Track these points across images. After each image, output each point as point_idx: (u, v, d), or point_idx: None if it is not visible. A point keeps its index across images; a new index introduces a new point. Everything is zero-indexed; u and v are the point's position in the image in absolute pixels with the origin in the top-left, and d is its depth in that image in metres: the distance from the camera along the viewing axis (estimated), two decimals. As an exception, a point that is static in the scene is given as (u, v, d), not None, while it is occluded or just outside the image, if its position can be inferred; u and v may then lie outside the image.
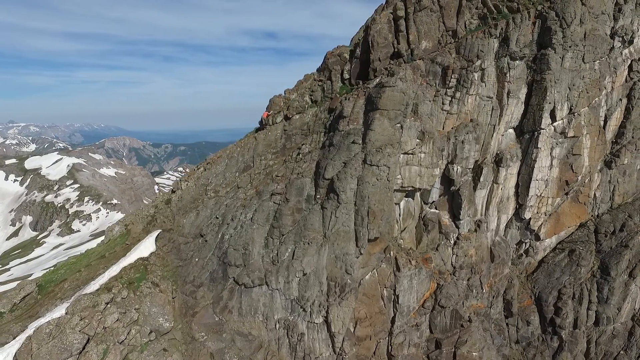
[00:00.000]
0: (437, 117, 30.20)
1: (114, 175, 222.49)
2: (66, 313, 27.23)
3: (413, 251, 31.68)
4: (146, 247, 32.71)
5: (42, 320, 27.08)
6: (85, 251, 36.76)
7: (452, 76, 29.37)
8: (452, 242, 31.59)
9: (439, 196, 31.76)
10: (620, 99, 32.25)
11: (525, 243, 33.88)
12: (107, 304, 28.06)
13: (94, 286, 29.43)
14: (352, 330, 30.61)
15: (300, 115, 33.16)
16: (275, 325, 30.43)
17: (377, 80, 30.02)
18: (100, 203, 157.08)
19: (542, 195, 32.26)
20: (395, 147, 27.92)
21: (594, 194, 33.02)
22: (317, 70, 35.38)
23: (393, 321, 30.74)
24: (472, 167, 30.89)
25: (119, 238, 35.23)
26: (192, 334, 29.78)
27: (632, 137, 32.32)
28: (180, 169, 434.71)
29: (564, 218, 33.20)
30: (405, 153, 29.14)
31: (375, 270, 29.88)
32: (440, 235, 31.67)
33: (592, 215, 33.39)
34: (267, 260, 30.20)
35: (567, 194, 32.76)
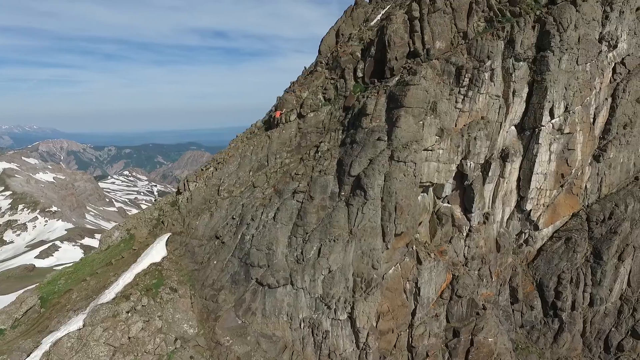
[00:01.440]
0: (451, 114, 31.45)
1: (53, 180, 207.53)
2: (84, 325, 25.50)
3: (428, 244, 32.76)
4: (157, 252, 31.36)
5: (57, 334, 25.20)
6: (81, 259, 34.38)
7: (466, 75, 30.75)
8: (465, 234, 33.04)
9: (452, 191, 33.07)
10: (606, 98, 35.37)
11: (525, 233, 36.13)
12: (127, 312, 26.62)
13: (109, 295, 27.77)
14: (374, 324, 31.06)
15: (315, 113, 33.17)
16: (300, 325, 30.21)
17: (397, 78, 30.77)
18: (37, 211, 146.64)
19: (541, 187, 34.59)
20: (420, 143, 28.81)
21: (585, 186, 35.94)
22: (328, 68, 35.55)
23: (414, 313, 31.57)
24: (482, 162, 32.48)
25: (122, 244, 33.34)
26: (216, 339, 28.90)
27: (617, 133, 35.57)
28: (127, 172, 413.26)
29: (559, 208, 35.81)
30: (425, 149, 30.10)
31: (398, 264, 30.56)
32: (453, 228, 33.00)
33: (583, 205, 36.31)
34: (291, 259, 29.94)
35: (562, 186, 35.37)
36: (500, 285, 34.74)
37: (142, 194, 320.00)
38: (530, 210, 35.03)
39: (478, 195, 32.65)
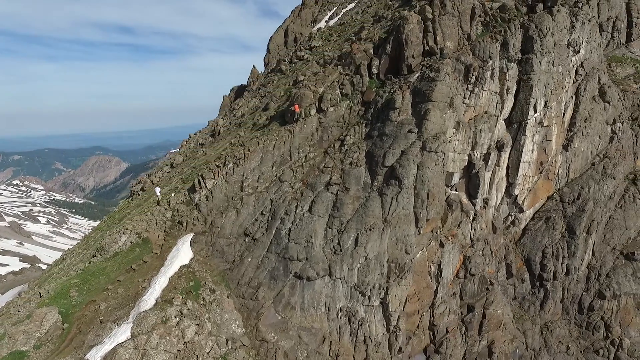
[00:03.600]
0: (460, 109, 34.35)
1: None
2: (134, 334, 23.66)
3: (441, 229, 35.31)
4: (185, 254, 29.83)
5: (104, 347, 23.10)
6: (84, 270, 30.99)
7: (473, 74, 33.85)
8: (471, 218, 36.22)
9: (459, 179, 36.02)
10: (572, 96, 41.15)
11: (512, 215, 40.55)
12: (175, 317, 25.15)
13: (149, 301, 26.03)
14: (402, 308, 32.76)
15: (334, 107, 33.88)
16: (337, 314, 30.85)
17: (417, 75, 32.79)
18: None
19: (526, 174, 39.19)
20: (446, 134, 31.14)
21: (558, 172, 41.42)
22: (340, 64, 36.40)
23: (435, 294, 33.87)
24: (485, 152, 35.92)
25: (137, 248, 30.90)
26: (261, 337, 28.44)
27: (579, 126, 41.54)
28: (17, 182, 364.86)
29: (538, 192, 40.81)
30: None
31: (425, 248, 32.60)
32: (461, 213, 35.96)
33: (556, 189, 41.78)
34: (328, 251, 30.42)
35: (540, 172, 40.37)
36: (498, 263, 38.63)
37: (38, 205, 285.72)
38: (517, 194, 39.46)
39: (482, 183, 36.03)
